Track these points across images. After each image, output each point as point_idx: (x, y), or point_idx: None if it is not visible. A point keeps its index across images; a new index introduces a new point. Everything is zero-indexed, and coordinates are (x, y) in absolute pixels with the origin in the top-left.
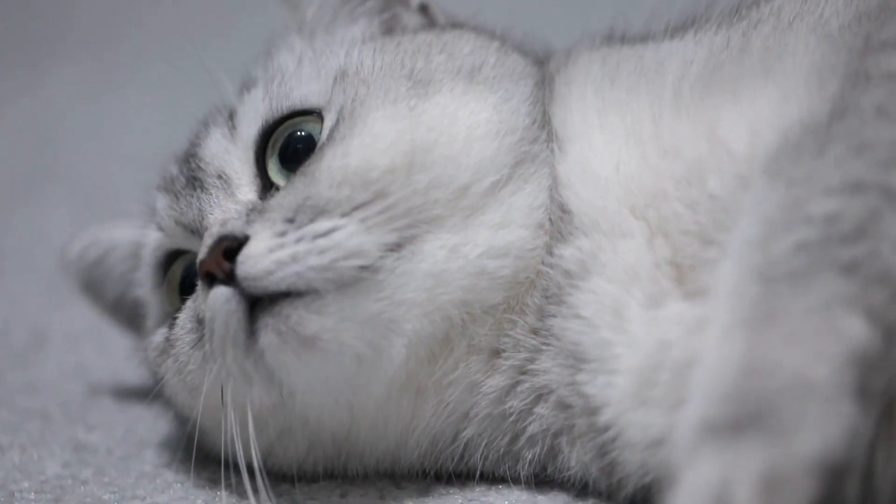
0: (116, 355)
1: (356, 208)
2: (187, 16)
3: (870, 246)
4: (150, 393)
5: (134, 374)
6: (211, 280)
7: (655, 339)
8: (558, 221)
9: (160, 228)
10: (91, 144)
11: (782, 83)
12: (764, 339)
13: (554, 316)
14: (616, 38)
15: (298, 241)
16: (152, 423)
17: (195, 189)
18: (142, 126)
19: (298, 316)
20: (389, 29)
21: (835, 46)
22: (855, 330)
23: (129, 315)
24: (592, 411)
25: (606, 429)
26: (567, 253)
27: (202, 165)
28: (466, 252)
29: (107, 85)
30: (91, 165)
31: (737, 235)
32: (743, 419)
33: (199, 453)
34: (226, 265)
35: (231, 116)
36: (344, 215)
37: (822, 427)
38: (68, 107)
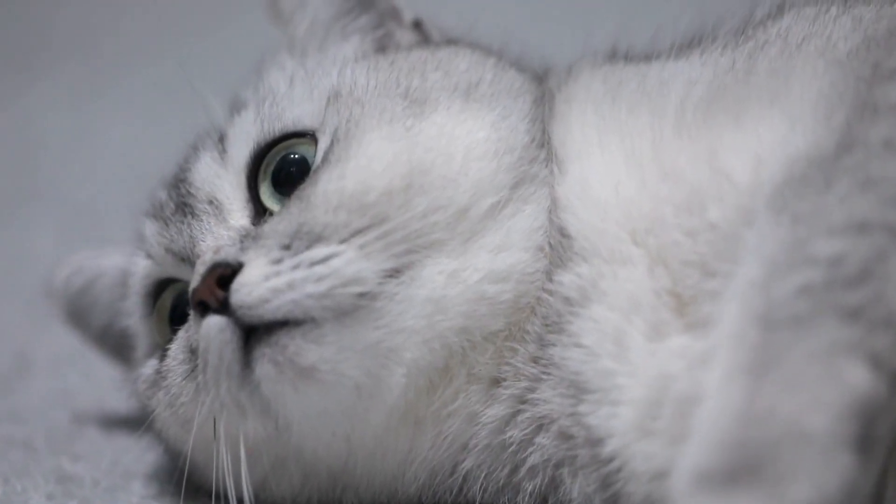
0: (103, 381)
1: (354, 234)
2: (174, 26)
3: (874, 289)
4: (137, 421)
5: (121, 401)
6: (204, 309)
7: (658, 372)
8: (558, 246)
9: (149, 256)
10: (76, 159)
11: (789, 111)
12: (762, 387)
13: (554, 345)
14: (619, 55)
15: (295, 268)
16: (140, 454)
17: (185, 215)
18: (129, 140)
19: (296, 346)
20: (383, 47)
21: (843, 73)
22: (857, 377)
23: (116, 345)
24: (595, 442)
25: (610, 460)
26: (567, 279)
27: (192, 191)
28: (466, 277)
29: (91, 97)
30: (76, 182)
31: (740, 275)
32: (738, 469)
33: (188, 484)
34: (220, 293)
35: (221, 139)
36: (342, 241)
37: (818, 478)
38: (51, 120)
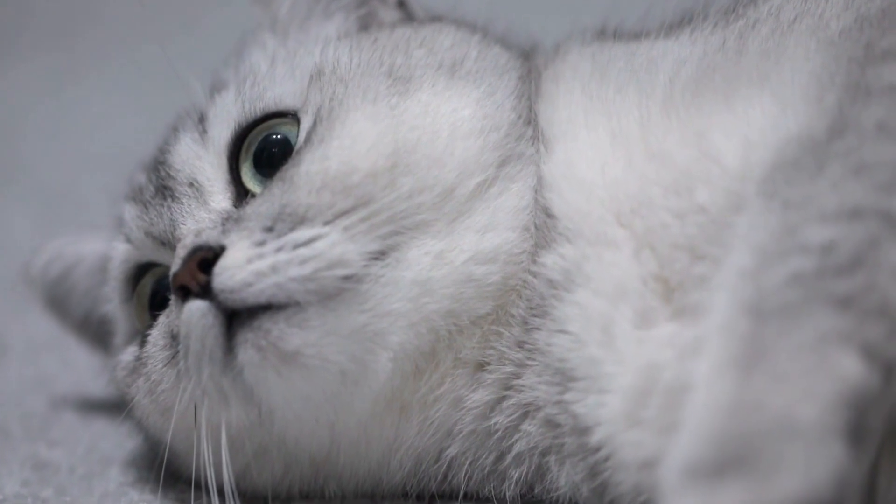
0: (80, 367)
1: (339, 216)
2: (154, 8)
3: (867, 277)
4: (114, 407)
5: (98, 386)
6: (185, 293)
7: (646, 361)
8: (542, 226)
9: (128, 240)
10: (54, 144)
11: (779, 93)
12: (752, 378)
13: (538, 329)
14: (608, 34)
15: (278, 250)
16: (117, 440)
17: (165, 198)
18: (109, 122)
19: (279, 330)
20: (365, 25)
21: (835, 54)
22: (849, 367)
23: (96, 333)
24: (583, 431)
25: (598, 449)
26: (550, 261)
27: (172, 173)
28: (453, 258)
29: (69, 80)
30: (54, 166)
31: (730, 263)
32: (726, 462)
33: (167, 472)
34: (201, 277)
35: (201, 120)
36: (326, 223)
37: (808, 470)
38: (29, 102)
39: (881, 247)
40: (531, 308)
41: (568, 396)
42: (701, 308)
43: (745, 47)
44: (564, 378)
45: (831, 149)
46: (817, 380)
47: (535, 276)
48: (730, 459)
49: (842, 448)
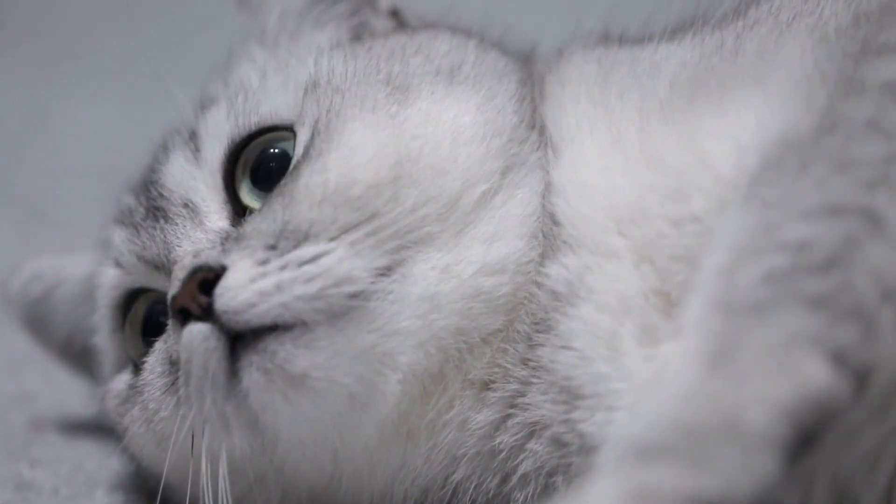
0: (63, 384)
1: (344, 231)
2: (140, 4)
3: (842, 277)
4: (99, 427)
5: (82, 405)
6: (185, 317)
7: (653, 379)
8: (549, 234)
9: (118, 265)
10: (34, 150)
11: (770, 93)
12: (714, 374)
13: (542, 345)
14: (612, 38)
15: (283, 268)
16: (102, 460)
17: (158, 220)
18: (92, 129)
19: (286, 352)
20: (358, 35)
21: (829, 51)
22: (814, 373)
23: (78, 358)
24: (591, 450)
25: None
26: (554, 271)
27: (165, 193)
28: (460, 271)
29: (51, 82)
30: (34, 175)
31: (707, 263)
32: (664, 448)
33: (152, 493)
34: (202, 299)
35: (192, 137)
36: (332, 239)
37: (731, 475)
38: (6, 107)
39: (860, 246)
40: (535, 323)
41: (575, 415)
42: None
43: (743, 48)
44: (571, 396)
45: (818, 148)
46: (775, 383)
47: (539, 288)
48: (668, 447)
49: (776, 461)
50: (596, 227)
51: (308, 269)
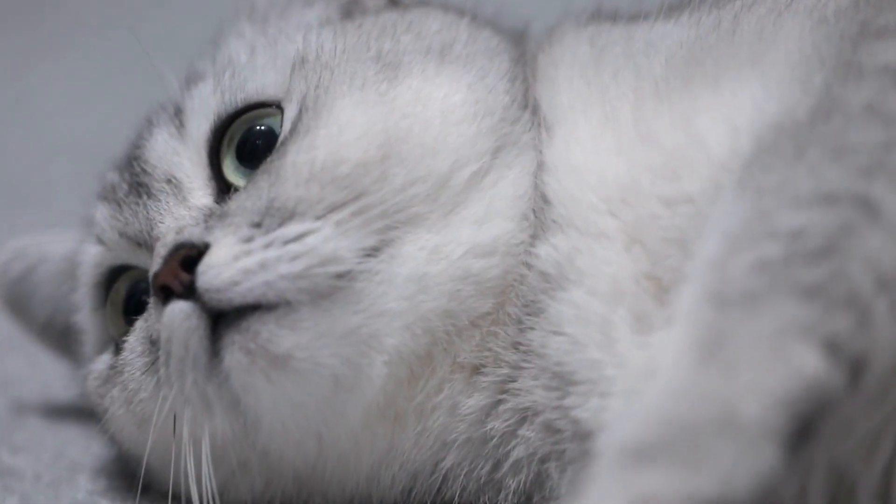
0: (45, 368)
1: (330, 210)
2: None
3: (836, 265)
4: (82, 411)
5: (65, 390)
6: (167, 295)
7: (647, 366)
8: (540, 213)
9: (100, 242)
10: (16, 133)
11: (767, 74)
12: (707, 367)
13: (532, 329)
14: (605, 16)
15: (267, 246)
16: (85, 445)
17: (141, 196)
18: (76, 111)
19: (269, 332)
20: (348, 13)
21: (827, 33)
22: (807, 362)
23: (59, 338)
24: (585, 436)
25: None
26: (543, 251)
27: (148, 169)
28: (449, 252)
29: (33, 64)
30: (16, 158)
31: (699, 252)
32: (660, 448)
33: (137, 479)
34: (185, 277)
35: (177, 113)
36: (318, 218)
37: (730, 470)
38: None
39: (855, 234)
40: (525, 306)
41: (568, 401)
42: None
43: (740, 28)
44: (563, 382)
45: (814, 132)
46: (769, 374)
47: (529, 269)
48: (664, 446)
49: (776, 453)
50: (586, 207)
51: (293, 247)
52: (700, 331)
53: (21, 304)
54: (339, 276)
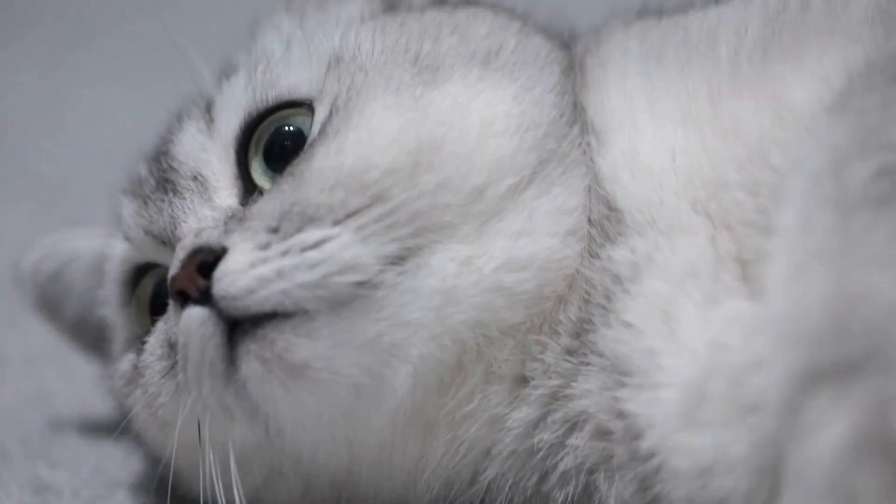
0: (83, 381)
1: (351, 215)
2: None
3: None
4: (119, 425)
5: (102, 403)
6: (184, 299)
7: (709, 343)
8: (603, 221)
9: (127, 238)
10: (48, 131)
11: (847, 33)
12: (851, 268)
13: (598, 328)
14: (651, 11)
15: (284, 253)
16: (123, 461)
17: (167, 193)
18: (107, 108)
19: (285, 340)
20: (392, 6)
21: None
22: None
23: (92, 337)
24: (635, 435)
25: (650, 456)
26: (617, 255)
27: (175, 165)
28: (481, 265)
29: (65, 60)
30: (49, 156)
31: (799, 170)
32: (846, 362)
33: (174, 494)
34: (201, 282)
35: (208, 108)
36: (336, 223)
37: None
38: (19, 87)
39: None
40: (589, 308)
41: (620, 394)
42: None
43: (809, 4)
44: (619, 374)
45: None
46: None
47: (597, 273)
48: (849, 359)
49: None
50: (669, 209)
51: (311, 254)
52: (825, 236)
53: (53, 304)
54: (360, 284)
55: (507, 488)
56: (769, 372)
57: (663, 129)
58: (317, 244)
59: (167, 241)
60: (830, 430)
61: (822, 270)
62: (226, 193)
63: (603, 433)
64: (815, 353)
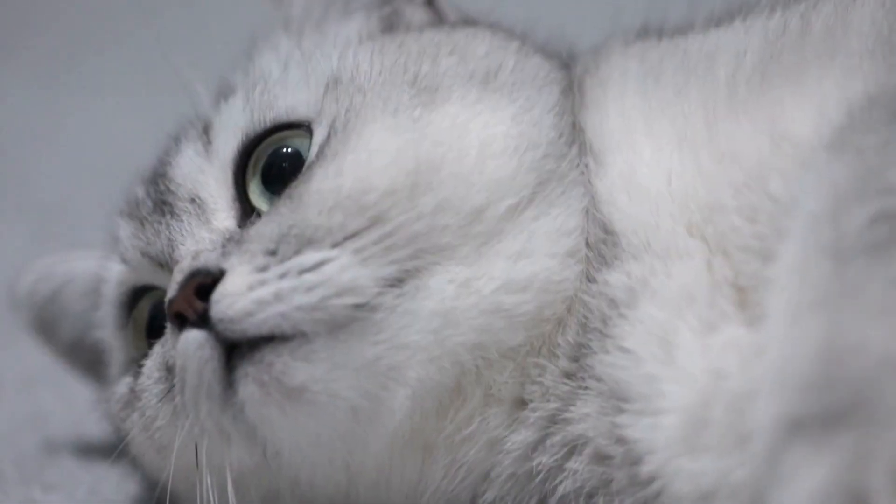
0: (78, 403)
1: (349, 237)
2: (156, 2)
3: None
4: (115, 448)
5: (98, 425)
6: (182, 322)
7: (708, 370)
8: (599, 244)
9: (124, 261)
10: (44, 151)
11: (847, 61)
12: (843, 318)
13: (595, 353)
14: (651, 32)
15: (282, 276)
16: (119, 483)
17: (164, 215)
18: (104, 128)
19: (283, 364)
20: (390, 26)
21: None
22: None
23: (88, 360)
24: (634, 460)
25: (650, 481)
26: (613, 279)
27: (172, 188)
28: (480, 287)
29: (61, 80)
30: (45, 177)
31: (798, 212)
32: (832, 412)
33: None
34: (198, 305)
35: (206, 130)
36: (335, 245)
37: None
38: (15, 106)
39: None
40: (587, 332)
41: (620, 420)
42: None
43: (809, 28)
44: (618, 400)
45: None
46: None
47: (593, 297)
48: (836, 409)
49: None
50: (664, 232)
51: (309, 277)
52: (821, 285)
53: (49, 326)
54: (358, 307)
55: None
56: (759, 414)
57: (660, 152)
58: (315, 266)
59: (164, 264)
60: (807, 478)
61: (817, 319)
62: (223, 216)
63: (602, 457)
64: (803, 402)
